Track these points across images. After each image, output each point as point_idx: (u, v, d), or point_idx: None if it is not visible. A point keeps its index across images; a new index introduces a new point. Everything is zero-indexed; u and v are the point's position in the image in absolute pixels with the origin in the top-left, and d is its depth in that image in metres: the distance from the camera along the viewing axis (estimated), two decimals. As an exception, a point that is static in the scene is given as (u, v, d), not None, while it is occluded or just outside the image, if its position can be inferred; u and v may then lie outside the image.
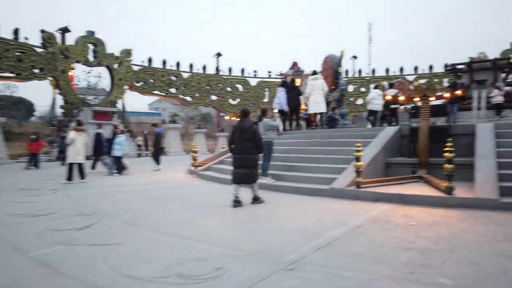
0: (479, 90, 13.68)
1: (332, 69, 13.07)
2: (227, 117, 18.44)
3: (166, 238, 4.03)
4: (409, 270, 2.93)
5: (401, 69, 32.73)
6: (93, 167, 12.38)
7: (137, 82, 28.33)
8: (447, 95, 7.29)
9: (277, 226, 4.49)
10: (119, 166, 11.65)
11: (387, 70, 33.81)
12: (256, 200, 6.18)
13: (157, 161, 13.18)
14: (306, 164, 8.09)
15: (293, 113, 12.02)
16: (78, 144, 9.55)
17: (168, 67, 29.93)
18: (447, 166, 5.56)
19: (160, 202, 6.40)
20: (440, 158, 7.23)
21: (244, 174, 6.01)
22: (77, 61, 25.12)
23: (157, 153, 13.60)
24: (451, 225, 4.35)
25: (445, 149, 5.61)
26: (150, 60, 29.09)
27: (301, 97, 11.93)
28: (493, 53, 18.98)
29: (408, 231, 4.14)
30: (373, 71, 35.18)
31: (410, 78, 30.72)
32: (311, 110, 11.80)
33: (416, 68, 32.26)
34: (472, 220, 4.58)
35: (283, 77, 26.65)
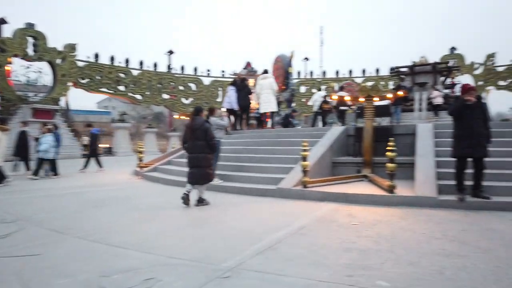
0: (420, 92, 14.38)
1: (283, 69, 13.11)
2: (176, 116, 17.92)
3: (96, 247, 3.68)
4: (348, 273, 2.86)
5: (350, 72, 33.85)
6: (14, 168, 11.42)
7: (83, 79, 26.82)
8: (390, 95, 7.51)
9: (220, 230, 4.28)
10: (54, 167, 10.84)
11: (337, 72, 34.81)
12: (201, 202, 5.94)
13: (98, 163, 12.55)
14: (255, 164, 7.97)
15: (243, 112, 11.84)
16: (2, 145, 8.75)
17: (116, 63, 28.63)
18: (389, 165, 5.66)
19: (98, 206, 5.94)
20: (383, 157, 7.42)
21: (198, 174, 5.86)
22: (15, 55, 23.25)
23: (94, 154, 13.04)
24: (392, 223, 4.40)
25: (387, 148, 5.71)
26: (96, 56, 27.65)
27: (251, 96, 11.79)
28: (436, 58, 20.15)
29: (351, 231, 4.11)
30: (324, 73, 36.07)
31: (359, 80, 31.81)
32: (262, 110, 11.70)
33: (364, 71, 33.50)
34: (412, 218, 4.67)
35: (236, 76, 26.55)
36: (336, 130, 8.42)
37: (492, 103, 28.04)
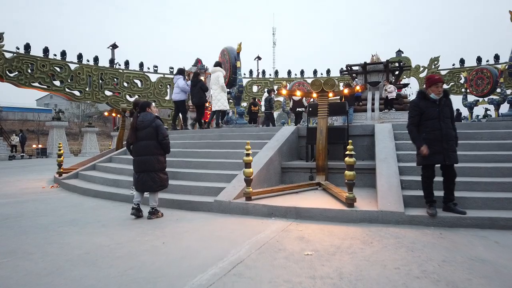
0: (373, 91, 13.89)
1: (229, 63, 11.93)
2: (106, 113, 16.13)
3: None
4: None
5: (302, 72, 33.48)
6: None
7: (10, 72, 23.91)
8: (346, 91, 6.61)
9: (123, 272, 3.03)
10: None
11: (289, 72, 34.33)
12: (153, 214, 5.06)
13: None
14: (193, 170, 6.74)
15: (198, 111, 10.53)
16: None
17: (51, 56, 25.93)
18: (348, 173, 4.70)
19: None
20: (338, 161, 6.53)
21: (149, 179, 5.03)
22: None
23: None
24: (355, 253, 3.39)
25: (345, 152, 4.75)
26: (27, 47, 24.82)
27: (206, 93, 10.55)
28: (383, 60, 20.01)
29: (303, 266, 3.05)
30: (276, 72, 35.47)
31: (309, 80, 31.46)
32: (213, 107, 10.38)
33: (315, 72, 33.24)
34: (378, 242, 3.70)
35: (183, 67, 24.98)
36: (286, 130, 7.41)
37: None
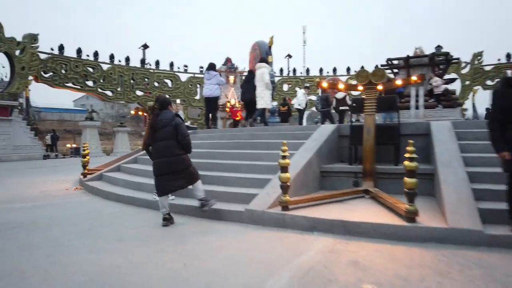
0: (417, 87, 12.76)
1: (260, 58, 11.23)
2: (132, 112, 15.84)
3: None
4: None
5: (334, 70, 32.29)
6: None
7: (45, 73, 24.37)
8: (399, 82, 5.67)
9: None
10: None
11: (320, 70, 33.26)
12: (204, 205, 4.73)
13: None
14: (221, 173, 6.07)
15: (249, 108, 10.05)
16: None
17: (84, 56, 26.26)
18: (408, 180, 3.84)
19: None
20: (387, 165, 5.65)
21: (178, 177, 4.60)
22: (-37, 44, 20.74)
23: None
24: (429, 287, 2.58)
25: (406, 155, 3.90)
26: (61, 48, 25.24)
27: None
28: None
29: (364, 309, 2.27)
30: (307, 70, 34.50)
31: (343, 78, 30.29)
32: (258, 105, 9.70)
33: (348, 69, 31.96)
34: (458, 273, 2.85)
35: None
36: (325, 129, 6.59)
37: (479, 103, 26.96)
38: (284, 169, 4.44)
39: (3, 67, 23.12)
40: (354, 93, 17.36)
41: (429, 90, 12.36)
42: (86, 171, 8.55)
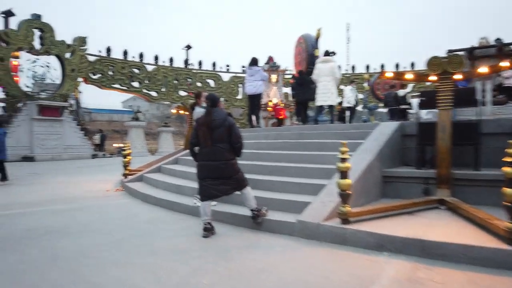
0: (483, 81, 11.40)
1: (306, 53, 10.51)
2: (173, 111, 15.69)
3: None
4: None
5: (382, 66, 30.65)
6: None
7: (94, 74, 25.11)
8: (484, 69, 4.71)
9: None
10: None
11: (367, 67, 31.80)
12: (257, 216, 4.22)
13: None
14: (267, 177, 5.44)
15: (302, 106, 9.65)
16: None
17: (130, 58, 26.81)
18: (508, 191, 3.00)
19: (15, 245, 3.64)
20: (466, 170, 4.75)
21: (226, 183, 4.12)
22: (20, 48, 21.72)
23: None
24: None
25: (505, 159, 3.05)
26: (108, 50, 25.90)
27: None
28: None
29: None
30: (353, 67, 33.12)
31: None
32: (318, 102, 8.99)
33: (397, 65, 30.26)
34: None
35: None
36: (386, 127, 5.76)
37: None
38: (344, 174, 3.73)
39: (55, 69, 24.00)
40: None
41: (498, 85, 10.97)
42: (127, 171, 8.28)
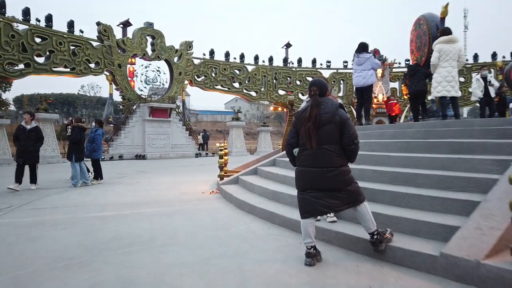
0: None
1: (428, 36, 8.77)
2: (271, 108, 14.92)
3: None
4: None
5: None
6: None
7: (198, 77, 26.20)
8: None
9: None
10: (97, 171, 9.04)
11: (493, 55, 27.24)
12: (378, 242, 3.11)
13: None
14: (387, 186, 4.26)
15: (416, 100, 8.25)
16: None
17: (231, 59, 27.34)
18: None
19: (94, 259, 3.22)
20: None
21: (332, 196, 3.09)
22: (134, 55, 23.69)
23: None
24: None
25: None
26: (212, 53, 26.77)
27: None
28: None
29: None
30: (476, 56, 28.75)
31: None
32: (438, 93, 7.19)
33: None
34: None
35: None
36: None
37: None
38: (521, 188, 2.43)
39: (164, 73, 25.61)
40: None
41: None
42: (223, 173, 7.80)
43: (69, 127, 9.01)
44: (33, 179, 7.96)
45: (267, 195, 5.51)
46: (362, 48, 7.75)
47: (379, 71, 22.32)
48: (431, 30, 8.72)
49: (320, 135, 3.06)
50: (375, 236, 3.13)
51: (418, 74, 8.10)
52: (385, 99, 13.84)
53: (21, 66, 18.47)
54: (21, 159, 7.74)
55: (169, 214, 5.23)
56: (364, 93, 7.88)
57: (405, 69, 28.14)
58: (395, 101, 11.53)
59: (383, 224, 3.42)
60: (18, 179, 7.64)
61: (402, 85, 9.91)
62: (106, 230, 4.31)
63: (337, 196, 3.09)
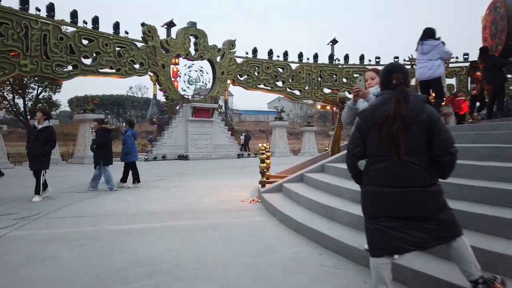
0: None
1: (507, 20, 7.43)
2: (318, 106, 13.79)
3: None
4: None
5: None
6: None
7: (241, 76, 25.66)
8: None
9: None
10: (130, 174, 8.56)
11: None
12: None
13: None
14: (477, 207, 3.25)
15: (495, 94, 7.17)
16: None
17: (274, 58, 26.52)
18: None
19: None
20: None
21: (414, 227, 2.18)
22: (178, 55, 23.59)
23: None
24: None
25: None
26: (254, 51, 26.10)
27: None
28: None
29: None
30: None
31: None
32: None
33: None
34: None
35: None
36: None
37: None
38: None
39: (207, 73, 25.36)
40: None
41: None
42: (264, 179, 7.01)
43: (93, 131, 8.39)
44: (37, 189, 6.61)
45: (317, 209, 4.64)
46: (429, 34, 6.46)
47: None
48: (509, 14, 7.39)
49: (407, 138, 2.16)
50: (480, 286, 2.19)
51: (490, 64, 6.89)
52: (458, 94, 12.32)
53: (69, 67, 18.86)
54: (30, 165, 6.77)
55: (202, 229, 4.52)
56: (433, 87, 6.62)
57: (462, 64, 25.94)
58: (463, 98, 10.13)
59: (486, 266, 2.46)
60: (37, 190, 6.61)
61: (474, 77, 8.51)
62: (127, 250, 3.67)
63: (424, 227, 2.17)
